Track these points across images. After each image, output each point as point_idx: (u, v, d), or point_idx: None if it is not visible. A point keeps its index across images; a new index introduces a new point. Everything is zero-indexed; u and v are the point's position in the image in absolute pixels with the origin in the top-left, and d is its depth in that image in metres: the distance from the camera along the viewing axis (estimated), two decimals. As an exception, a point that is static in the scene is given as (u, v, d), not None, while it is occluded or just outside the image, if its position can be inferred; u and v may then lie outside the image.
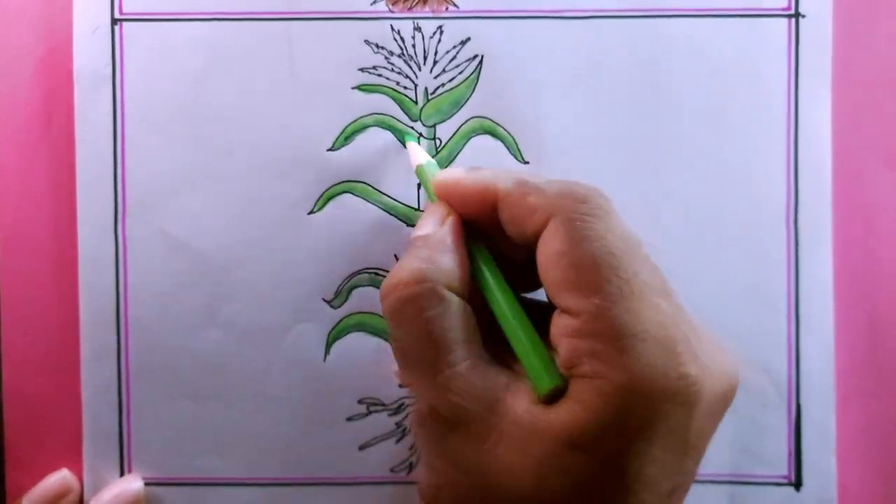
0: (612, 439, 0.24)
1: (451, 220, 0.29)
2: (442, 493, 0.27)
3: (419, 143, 0.36)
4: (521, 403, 0.25)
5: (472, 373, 0.26)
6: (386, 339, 0.36)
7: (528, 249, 0.28)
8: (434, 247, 0.28)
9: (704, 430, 0.26)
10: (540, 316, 0.27)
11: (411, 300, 0.27)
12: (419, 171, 0.33)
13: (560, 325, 0.26)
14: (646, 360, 0.24)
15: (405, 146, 0.35)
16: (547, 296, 0.27)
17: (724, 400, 0.26)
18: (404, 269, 0.27)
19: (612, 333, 0.24)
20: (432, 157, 0.36)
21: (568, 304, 0.25)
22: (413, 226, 0.36)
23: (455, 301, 0.27)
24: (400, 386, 0.36)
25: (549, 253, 0.26)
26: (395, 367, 0.35)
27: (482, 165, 0.35)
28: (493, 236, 0.29)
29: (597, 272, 0.25)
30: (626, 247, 0.26)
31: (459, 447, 0.26)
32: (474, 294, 0.28)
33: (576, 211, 0.26)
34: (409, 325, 0.27)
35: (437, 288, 0.27)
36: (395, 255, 0.36)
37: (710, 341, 0.27)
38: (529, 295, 0.30)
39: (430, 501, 0.28)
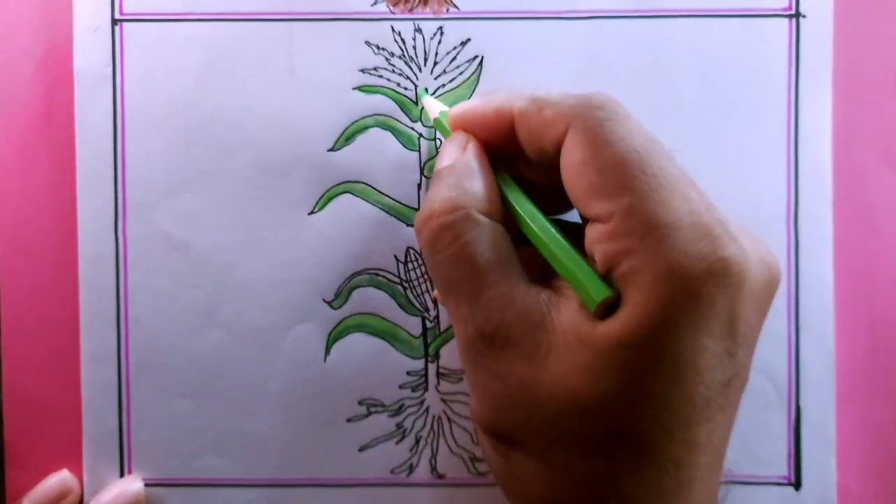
0: (660, 332, 0.24)
1: (472, 145, 0.29)
2: (497, 414, 0.27)
3: (419, 143, 0.36)
4: (567, 314, 0.25)
5: (514, 291, 0.26)
6: (386, 340, 0.36)
7: (549, 170, 0.28)
8: (461, 173, 0.28)
9: (751, 318, 0.25)
10: (572, 236, 0.27)
11: (447, 228, 0.27)
12: (438, 123, 0.33)
13: (593, 233, 0.26)
14: (683, 246, 0.24)
15: (421, 97, 0.35)
16: (576, 207, 0.27)
17: (769, 287, 0.26)
18: (435, 199, 0.28)
19: (645, 227, 0.24)
20: (432, 157, 0.36)
21: (598, 211, 0.25)
22: (412, 225, 0.36)
23: (489, 223, 0.27)
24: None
25: (572, 162, 0.26)
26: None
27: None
28: (515, 161, 0.30)
29: (623, 172, 0.25)
30: (650, 145, 0.25)
31: (509, 365, 0.26)
32: (505, 217, 0.28)
33: (593, 117, 0.26)
34: (447, 251, 0.27)
35: (471, 212, 0.27)
36: (395, 255, 0.36)
37: (745, 232, 0.26)
38: (558, 217, 0.30)
39: (484, 424, 0.27)
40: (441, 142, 0.36)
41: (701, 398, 0.24)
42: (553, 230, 0.27)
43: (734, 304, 0.24)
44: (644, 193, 0.24)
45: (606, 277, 0.25)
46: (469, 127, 0.30)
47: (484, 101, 0.30)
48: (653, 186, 0.24)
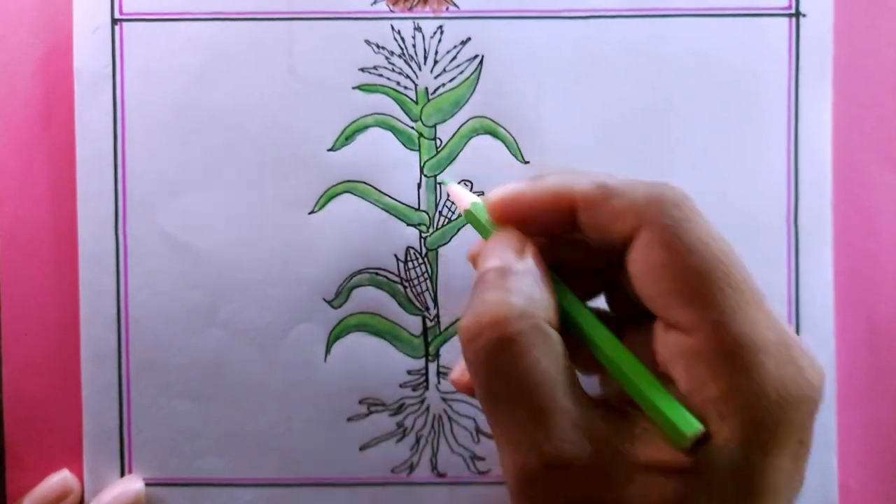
0: (752, 460, 0.23)
1: (530, 248, 0.26)
2: None
3: (419, 143, 0.36)
4: (643, 441, 0.24)
5: (584, 417, 0.24)
6: (386, 339, 0.36)
7: (602, 256, 0.26)
8: (521, 276, 0.25)
9: (813, 428, 0.24)
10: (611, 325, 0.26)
11: (512, 339, 0.23)
12: (470, 216, 0.28)
13: (671, 343, 0.24)
14: (774, 370, 0.23)
15: (443, 186, 0.34)
16: (649, 307, 0.25)
17: (823, 396, 0.25)
18: (495, 302, 0.24)
19: (735, 349, 0.23)
20: (432, 157, 0.36)
21: (679, 320, 0.24)
22: (413, 225, 0.36)
23: (557, 337, 0.24)
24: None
25: (647, 264, 0.24)
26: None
27: (482, 165, 0.35)
28: (555, 242, 0.27)
29: (707, 283, 0.23)
30: (730, 252, 0.24)
31: (580, 495, 0.23)
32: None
33: (670, 217, 0.24)
34: (511, 367, 0.24)
35: (541, 324, 0.24)
36: (396, 255, 0.36)
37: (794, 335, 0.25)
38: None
39: None
40: (440, 142, 0.36)
41: None
42: (631, 356, 0.25)
43: (811, 423, 0.24)
44: (732, 310, 0.23)
45: (687, 399, 0.24)
46: (517, 219, 0.27)
47: (534, 185, 0.26)
48: (740, 304, 0.23)
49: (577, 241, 0.27)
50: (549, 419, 0.23)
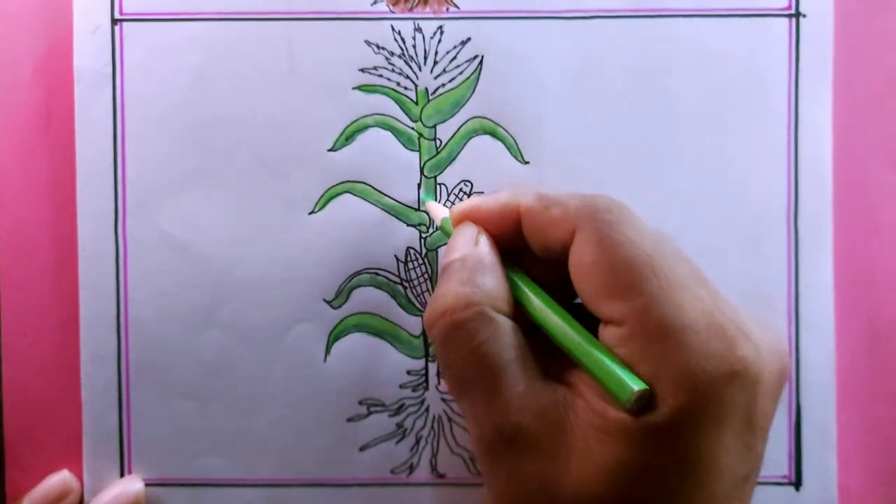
0: (683, 434, 0.24)
1: (483, 238, 0.29)
2: None
3: (419, 143, 0.36)
4: (585, 413, 0.25)
5: (531, 391, 0.26)
6: (386, 340, 0.36)
7: (555, 266, 0.28)
8: (473, 268, 0.28)
9: (767, 410, 0.26)
10: (581, 323, 0.27)
11: (460, 326, 0.27)
12: (443, 225, 0.33)
13: (607, 335, 0.26)
14: (700, 349, 0.24)
15: (424, 202, 0.35)
16: (588, 307, 0.27)
17: (781, 377, 0.26)
18: (448, 293, 0.27)
19: (660, 330, 0.24)
20: (432, 157, 0.36)
21: (611, 313, 0.26)
22: (413, 225, 0.36)
23: (504, 321, 0.27)
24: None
25: (581, 264, 0.26)
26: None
27: (482, 166, 0.35)
28: (520, 256, 0.30)
29: (634, 274, 0.25)
30: (658, 245, 0.26)
31: (529, 466, 0.26)
32: (518, 315, 0.28)
33: (602, 220, 0.26)
34: (461, 350, 0.27)
35: (485, 310, 0.27)
36: (396, 255, 0.36)
37: (753, 321, 0.27)
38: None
39: None
40: (440, 142, 0.36)
41: (722, 495, 0.25)
42: (576, 325, 0.27)
43: (752, 401, 0.25)
44: (656, 295, 0.25)
45: None
46: (474, 222, 0.30)
47: (489, 197, 0.30)
48: (664, 287, 0.25)
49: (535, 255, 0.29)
50: (499, 395, 0.26)
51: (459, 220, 0.31)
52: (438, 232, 0.36)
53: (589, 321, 0.27)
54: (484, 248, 0.29)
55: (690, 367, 0.24)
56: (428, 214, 0.36)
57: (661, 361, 0.24)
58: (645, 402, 0.24)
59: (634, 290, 0.25)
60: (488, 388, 0.26)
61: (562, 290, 0.28)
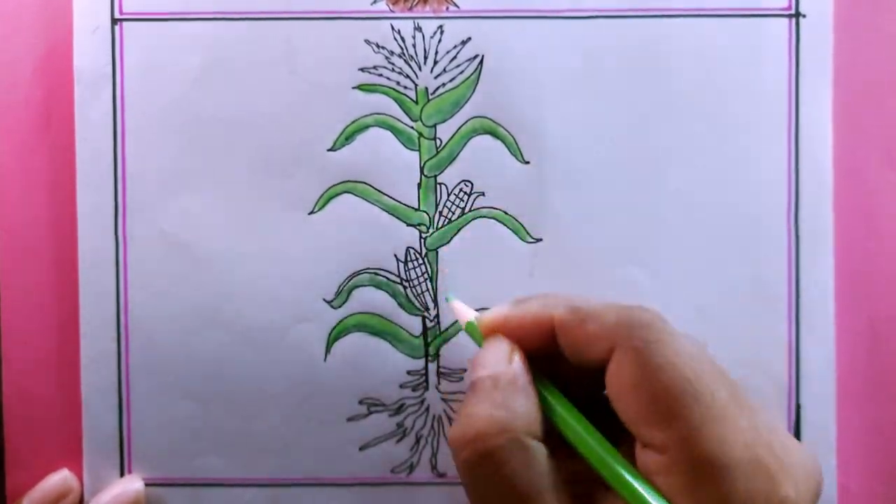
0: None
1: (518, 357, 0.28)
2: None
3: (419, 143, 0.36)
4: None
5: None
6: (386, 340, 0.36)
7: (590, 374, 0.27)
8: (506, 389, 0.27)
9: None
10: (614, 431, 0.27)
11: (493, 453, 0.25)
12: (470, 328, 0.31)
13: (646, 461, 0.25)
14: (744, 488, 0.24)
15: (448, 301, 0.35)
16: (627, 427, 0.26)
17: (816, 499, 0.26)
18: (478, 416, 0.26)
19: (704, 466, 0.24)
20: (432, 157, 0.36)
21: (651, 438, 0.25)
22: (413, 225, 0.36)
23: (539, 448, 0.26)
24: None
25: (620, 386, 0.26)
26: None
27: (482, 165, 0.35)
28: (555, 363, 0.29)
29: (675, 402, 0.24)
30: (699, 367, 0.25)
31: None
32: (548, 433, 0.27)
33: (640, 339, 0.26)
34: (493, 479, 0.25)
35: (521, 437, 0.26)
36: (395, 255, 0.36)
37: (787, 441, 0.26)
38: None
39: None
40: (440, 142, 0.36)
41: None
42: (614, 452, 0.26)
43: None
44: (698, 427, 0.24)
45: None
46: (505, 335, 0.29)
47: (519, 309, 0.29)
48: (706, 419, 0.24)
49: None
50: None
51: (489, 330, 0.29)
52: (439, 232, 0.36)
53: (622, 433, 0.27)
54: (517, 367, 0.28)
55: None
56: (428, 214, 0.36)
57: (703, 499, 0.24)
58: None
59: (676, 419, 0.24)
60: None
61: (597, 398, 0.27)
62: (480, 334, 0.30)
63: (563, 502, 0.25)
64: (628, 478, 0.25)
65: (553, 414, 0.28)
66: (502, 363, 0.28)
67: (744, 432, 0.25)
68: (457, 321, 0.36)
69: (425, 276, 0.36)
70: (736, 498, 0.23)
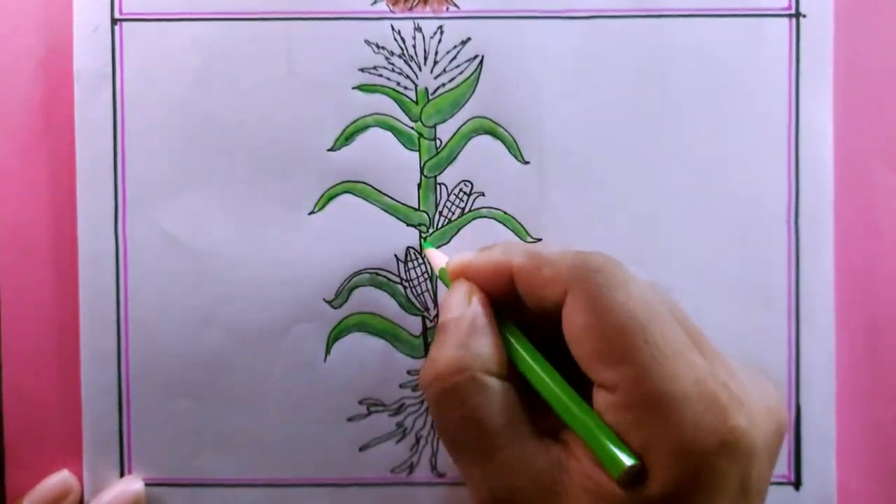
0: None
1: (477, 298, 0.29)
2: None
3: (419, 143, 0.36)
4: (579, 476, 0.25)
5: (525, 454, 0.26)
6: (386, 339, 0.36)
7: (552, 321, 0.28)
8: (467, 329, 0.28)
9: (762, 475, 0.25)
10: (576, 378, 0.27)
11: (453, 391, 0.27)
12: (442, 274, 0.33)
13: (600, 400, 0.26)
14: (692, 419, 0.24)
15: (424, 248, 0.36)
16: (582, 369, 0.27)
17: (777, 438, 0.26)
18: (441, 358, 0.27)
19: (652, 400, 0.24)
20: (432, 157, 0.36)
21: (603, 378, 0.26)
22: (413, 225, 0.36)
23: (497, 385, 0.27)
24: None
25: (573, 327, 0.26)
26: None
27: (482, 165, 0.35)
28: (519, 308, 0.29)
29: (625, 341, 0.25)
30: (650, 310, 0.26)
31: None
32: (512, 371, 0.28)
33: (592, 281, 0.26)
34: (454, 415, 0.27)
35: (477, 375, 0.27)
36: (396, 255, 0.36)
37: (749, 380, 0.26)
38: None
39: None
40: (440, 142, 0.36)
41: None
42: (569, 390, 0.27)
43: (746, 470, 0.24)
44: (648, 364, 0.25)
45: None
46: (468, 279, 0.30)
47: (482, 255, 0.30)
48: (656, 356, 0.25)
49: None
50: (492, 460, 0.26)
51: (455, 275, 0.31)
52: (439, 232, 0.36)
53: (584, 377, 0.27)
54: (476, 308, 0.29)
55: (682, 439, 0.24)
56: (428, 214, 0.36)
57: (652, 433, 0.24)
58: (636, 474, 0.24)
59: (625, 359, 0.25)
60: (482, 453, 0.27)
61: (560, 343, 0.28)
62: (448, 279, 0.31)
63: (524, 438, 0.27)
64: (578, 413, 0.26)
65: (513, 354, 0.28)
66: (463, 305, 0.29)
67: (695, 368, 0.25)
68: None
69: (425, 275, 0.36)
70: (684, 428, 0.24)
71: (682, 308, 0.27)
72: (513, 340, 0.29)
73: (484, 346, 0.28)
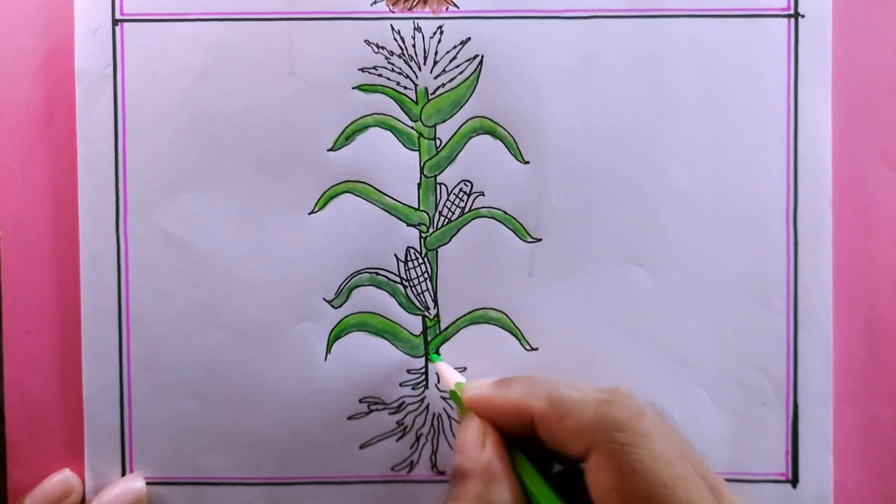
0: None
1: (491, 442, 0.29)
2: None
3: (419, 143, 0.36)
4: None
5: None
6: (387, 339, 0.36)
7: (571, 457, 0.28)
8: (484, 479, 0.28)
9: None
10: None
11: None
12: (453, 395, 0.32)
13: None
14: None
15: (432, 362, 0.36)
16: None
17: None
18: None
19: None
20: (432, 157, 0.36)
21: None
22: (413, 225, 0.36)
23: None
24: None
25: (599, 486, 0.26)
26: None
27: (482, 165, 0.35)
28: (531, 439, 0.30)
29: None
30: (675, 472, 0.26)
31: None
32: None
33: (617, 441, 0.26)
34: None
35: None
36: (396, 255, 0.36)
37: None
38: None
39: None
40: (440, 142, 0.36)
41: None
42: None
43: None
44: None
45: None
46: (486, 417, 0.30)
47: (501, 392, 0.30)
48: None
49: None
50: None
51: (471, 406, 0.30)
52: (439, 232, 0.36)
53: None
54: (490, 454, 0.29)
55: None
56: (428, 214, 0.36)
57: None
58: None
59: None
60: None
61: (577, 471, 0.28)
62: (462, 403, 0.31)
63: None
64: None
65: (530, 494, 0.28)
66: (477, 449, 0.29)
67: None
68: (457, 321, 0.36)
69: (425, 275, 0.36)
70: None
71: (702, 461, 0.27)
72: (529, 485, 0.29)
73: (501, 494, 0.28)
